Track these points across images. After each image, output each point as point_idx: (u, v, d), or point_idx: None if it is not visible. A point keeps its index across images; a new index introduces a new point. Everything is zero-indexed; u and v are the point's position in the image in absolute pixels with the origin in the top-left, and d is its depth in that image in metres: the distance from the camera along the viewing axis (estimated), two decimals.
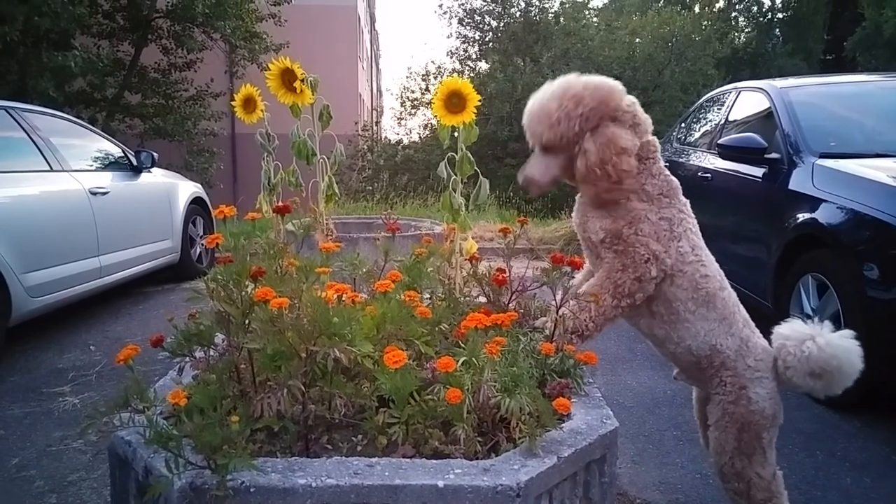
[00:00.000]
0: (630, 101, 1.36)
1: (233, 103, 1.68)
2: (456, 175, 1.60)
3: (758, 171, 3.19)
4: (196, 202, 4.94)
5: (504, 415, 1.04)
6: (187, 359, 1.20)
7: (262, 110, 1.68)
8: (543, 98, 1.33)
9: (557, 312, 1.33)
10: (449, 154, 1.60)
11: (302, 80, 1.69)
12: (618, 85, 1.36)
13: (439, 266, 1.70)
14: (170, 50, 10.09)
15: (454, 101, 1.49)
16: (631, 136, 1.30)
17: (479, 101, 1.49)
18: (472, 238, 1.74)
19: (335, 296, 1.13)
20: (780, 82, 3.66)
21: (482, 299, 1.65)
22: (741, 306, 1.42)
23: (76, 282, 3.38)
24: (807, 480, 1.96)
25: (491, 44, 16.06)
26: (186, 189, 4.88)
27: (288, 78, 1.68)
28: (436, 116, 1.49)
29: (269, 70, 1.68)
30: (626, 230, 1.32)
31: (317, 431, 1.07)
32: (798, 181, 2.85)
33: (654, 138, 1.40)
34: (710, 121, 4.44)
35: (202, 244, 4.98)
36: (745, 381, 1.34)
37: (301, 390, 0.98)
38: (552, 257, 1.34)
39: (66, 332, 3.49)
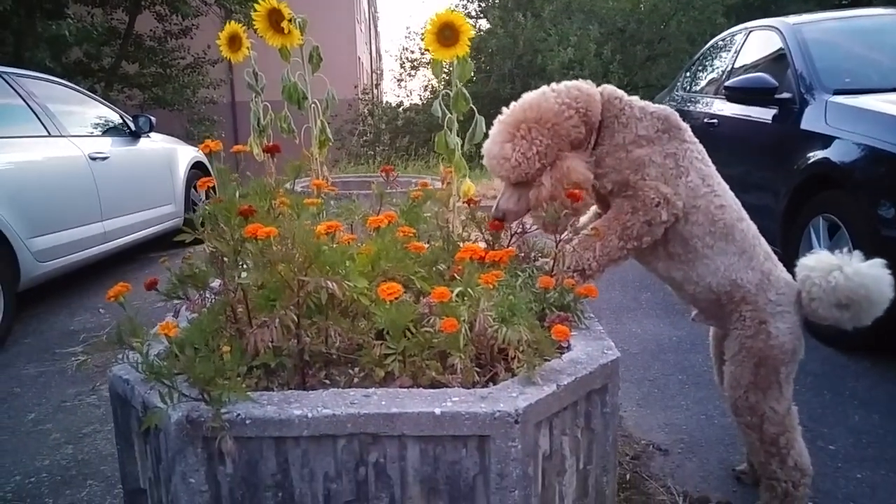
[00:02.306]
0: (574, 98, 1.29)
1: (218, 41, 1.63)
2: (451, 113, 1.55)
3: (767, 114, 3.08)
4: (197, 167, 4.91)
5: (502, 345, 1.02)
6: (183, 302, 1.19)
7: (247, 48, 1.62)
8: (497, 138, 1.30)
9: (557, 247, 1.30)
10: (443, 92, 1.54)
11: (290, 21, 1.62)
12: (561, 94, 1.29)
13: (437, 212, 1.66)
14: (164, 16, 9.87)
15: (447, 34, 1.43)
16: (584, 169, 1.28)
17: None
18: (475, 196, 1.69)
19: (327, 232, 1.11)
20: (792, 19, 3.50)
21: (482, 244, 1.62)
22: (762, 239, 1.38)
23: (82, 246, 3.40)
24: (813, 419, 1.94)
25: None
26: (186, 154, 4.83)
27: (275, 18, 1.62)
28: (428, 50, 1.43)
29: (256, 11, 1.61)
30: (632, 177, 1.30)
31: (313, 367, 1.07)
32: (810, 120, 2.75)
33: (611, 90, 1.36)
34: (718, 66, 4.28)
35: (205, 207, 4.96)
36: (766, 315, 1.30)
37: (294, 321, 0.97)
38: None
39: (75, 297, 3.53)
